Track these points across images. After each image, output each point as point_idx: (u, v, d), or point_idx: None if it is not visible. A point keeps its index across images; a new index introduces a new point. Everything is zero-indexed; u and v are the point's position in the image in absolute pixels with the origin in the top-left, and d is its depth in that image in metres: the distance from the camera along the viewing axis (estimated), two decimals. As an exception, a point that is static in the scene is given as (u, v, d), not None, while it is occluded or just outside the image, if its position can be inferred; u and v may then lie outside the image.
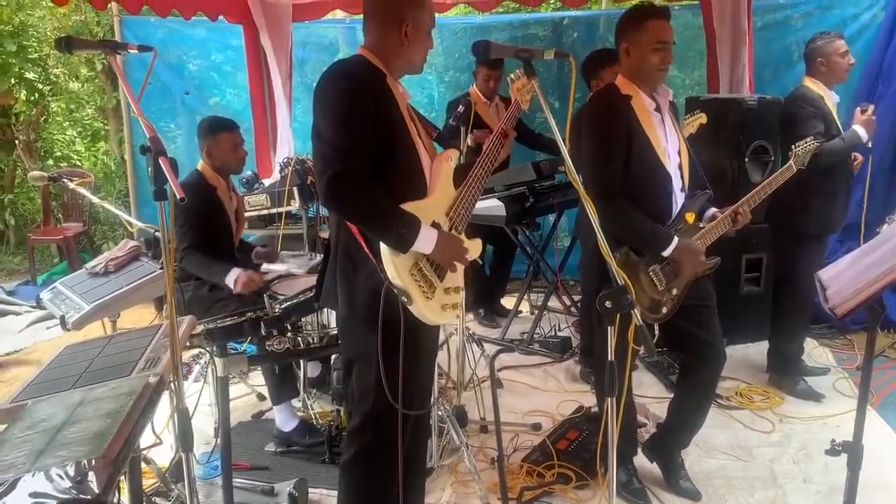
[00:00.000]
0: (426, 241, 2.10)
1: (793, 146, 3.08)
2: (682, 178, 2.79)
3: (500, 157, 2.46)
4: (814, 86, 3.78)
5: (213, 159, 3.65)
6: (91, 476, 1.42)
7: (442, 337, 3.68)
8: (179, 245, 3.47)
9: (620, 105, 2.67)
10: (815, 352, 4.48)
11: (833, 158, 3.60)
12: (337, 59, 6.50)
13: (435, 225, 2.18)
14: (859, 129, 3.66)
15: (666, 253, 2.67)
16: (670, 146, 2.75)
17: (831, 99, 3.76)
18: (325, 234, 4.79)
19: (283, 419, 3.52)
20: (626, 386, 2.25)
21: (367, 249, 2.10)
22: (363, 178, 2.04)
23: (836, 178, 3.72)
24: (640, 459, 3.15)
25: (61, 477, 1.39)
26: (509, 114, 2.52)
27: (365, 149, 2.05)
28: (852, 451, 2.15)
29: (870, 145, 3.76)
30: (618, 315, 2.05)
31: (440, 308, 2.20)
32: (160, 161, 1.84)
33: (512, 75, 2.49)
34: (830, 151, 3.58)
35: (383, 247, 2.07)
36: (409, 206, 2.11)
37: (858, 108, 3.75)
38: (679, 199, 2.78)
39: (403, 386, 2.11)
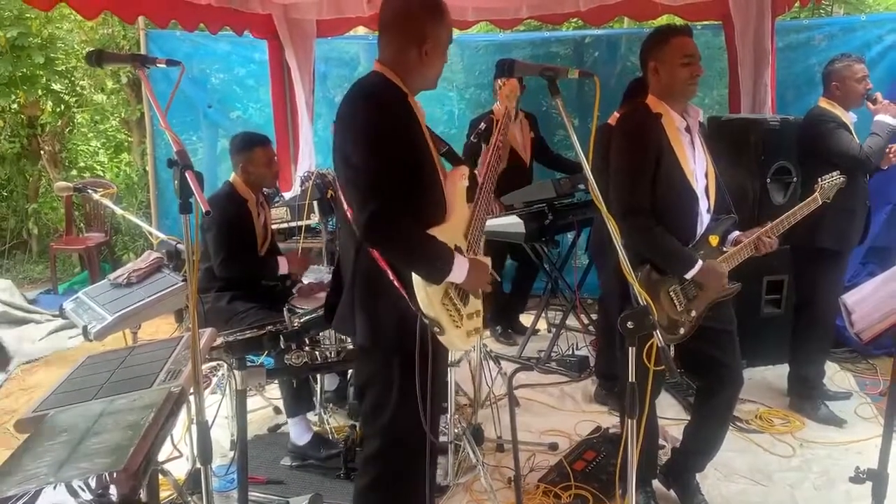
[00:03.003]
0: (459, 271, 2.09)
1: (819, 179, 3.07)
2: (708, 199, 2.78)
3: (498, 168, 2.43)
4: (829, 106, 3.77)
5: (249, 175, 3.70)
6: (112, 489, 1.42)
7: (460, 353, 3.68)
8: (216, 257, 3.52)
9: (651, 123, 2.67)
10: (836, 376, 4.42)
11: (880, 155, 3.64)
12: (357, 74, 6.60)
13: (457, 249, 2.15)
14: (883, 118, 3.67)
15: (689, 275, 2.66)
16: (698, 167, 2.74)
17: (848, 118, 3.75)
18: (343, 249, 4.80)
19: (298, 433, 3.52)
20: (648, 407, 2.23)
21: (393, 277, 2.06)
22: (401, 211, 2.01)
23: (855, 194, 3.68)
24: (658, 482, 3.12)
25: (83, 489, 1.40)
26: (501, 123, 2.47)
27: (398, 176, 2.01)
28: (877, 479, 2.12)
29: None
30: (637, 336, 2.04)
31: (466, 335, 2.19)
32: (186, 175, 1.85)
33: (499, 81, 2.44)
34: (874, 151, 3.60)
35: (415, 277, 2.04)
36: (434, 232, 2.09)
37: (868, 102, 3.74)
38: (705, 220, 2.77)
39: (430, 414, 2.10)
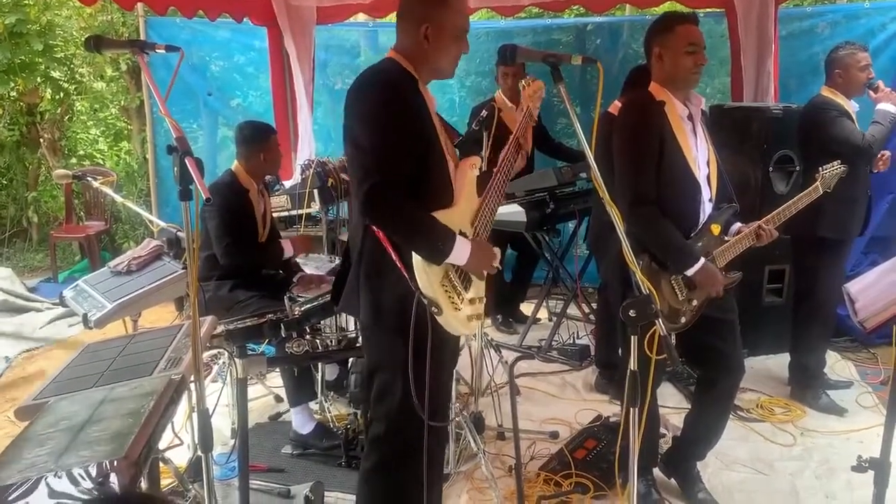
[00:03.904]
0: (460, 253, 2.10)
1: (820, 168, 3.05)
2: (710, 188, 2.77)
3: (516, 166, 2.43)
4: (831, 95, 3.75)
5: (266, 163, 3.72)
6: (113, 477, 1.42)
7: (461, 342, 3.67)
8: (219, 244, 3.51)
9: (654, 111, 2.65)
10: (837, 365, 4.42)
11: (881, 144, 3.62)
12: (358, 62, 6.56)
13: (462, 234, 2.17)
14: (884, 106, 3.65)
15: (689, 273, 2.65)
16: (700, 156, 2.73)
17: (850, 107, 3.73)
18: (344, 237, 4.79)
19: (301, 421, 3.52)
20: (650, 397, 2.23)
21: (395, 257, 2.08)
22: (402, 188, 2.04)
23: (856, 183, 3.66)
24: (659, 471, 3.12)
25: (83, 477, 1.39)
26: (521, 123, 2.46)
27: (403, 157, 2.05)
28: (879, 468, 2.11)
29: None
30: (638, 324, 2.04)
31: (466, 319, 2.20)
32: (186, 161, 1.84)
33: (523, 82, 2.45)
34: (877, 139, 3.58)
35: (415, 257, 2.06)
36: (438, 216, 2.10)
37: (870, 91, 3.72)
38: (707, 209, 2.76)
39: (430, 395, 2.10)
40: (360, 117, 2.09)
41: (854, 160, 3.50)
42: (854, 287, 2.23)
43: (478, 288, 2.26)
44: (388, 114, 2.05)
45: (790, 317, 4.14)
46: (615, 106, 3.90)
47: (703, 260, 2.66)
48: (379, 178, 2.00)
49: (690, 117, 2.72)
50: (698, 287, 2.69)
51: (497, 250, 2.34)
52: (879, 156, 3.71)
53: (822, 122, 3.68)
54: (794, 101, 4.66)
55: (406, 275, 2.07)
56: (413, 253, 2.06)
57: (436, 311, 2.07)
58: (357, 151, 2.09)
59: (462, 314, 2.17)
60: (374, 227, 2.09)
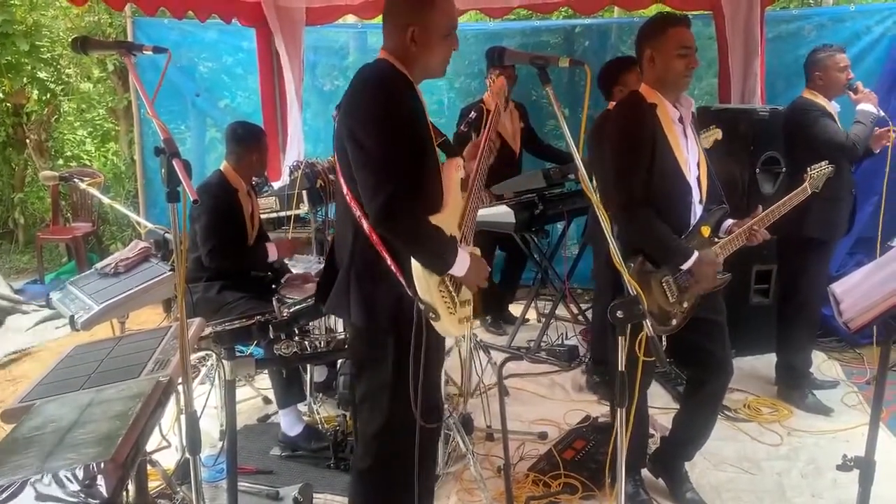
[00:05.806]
0: (461, 265, 2.13)
1: (808, 168, 3.08)
2: (700, 190, 2.77)
3: (489, 162, 2.43)
4: (812, 96, 3.80)
5: (257, 164, 3.74)
6: (100, 479, 1.41)
7: (450, 343, 3.67)
8: (204, 246, 3.49)
9: (646, 113, 2.66)
10: (823, 365, 4.45)
11: (865, 143, 3.66)
12: (346, 63, 6.53)
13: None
14: (864, 106, 3.70)
15: (685, 266, 2.65)
16: (691, 157, 2.73)
17: (832, 108, 3.77)
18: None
19: (289, 423, 3.51)
20: (639, 397, 2.24)
21: (391, 262, 2.08)
22: (415, 198, 2.04)
23: (840, 183, 3.68)
24: (647, 471, 3.13)
25: (70, 480, 1.39)
26: (491, 121, 2.47)
27: (407, 160, 2.03)
28: (864, 467, 2.13)
29: (881, 114, 3.75)
30: (628, 325, 2.05)
31: (458, 322, 2.22)
32: (174, 163, 1.83)
33: (489, 78, 2.45)
34: (860, 139, 3.62)
35: (415, 265, 2.05)
36: (432, 220, 2.11)
37: (849, 92, 3.76)
38: (697, 211, 2.77)
39: (424, 394, 2.12)
40: (363, 118, 2.06)
41: (838, 160, 3.53)
42: (839, 288, 2.25)
43: (467, 290, 2.28)
44: (391, 116, 2.03)
45: (777, 317, 4.16)
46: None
47: (697, 252, 2.67)
48: (392, 189, 1.98)
49: (681, 119, 2.73)
50: (695, 279, 2.69)
51: (477, 249, 2.34)
52: (886, 129, 3.72)
53: (804, 124, 3.72)
54: (780, 102, 4.68)
55: (402, 280, 2.07)
56: (413, 261, 2.05)
57: (433, 316, 2.07)
58: (362, 155, 2.05)
59: (455, 318, 2.19)
60: (373, 233, 2.07)
